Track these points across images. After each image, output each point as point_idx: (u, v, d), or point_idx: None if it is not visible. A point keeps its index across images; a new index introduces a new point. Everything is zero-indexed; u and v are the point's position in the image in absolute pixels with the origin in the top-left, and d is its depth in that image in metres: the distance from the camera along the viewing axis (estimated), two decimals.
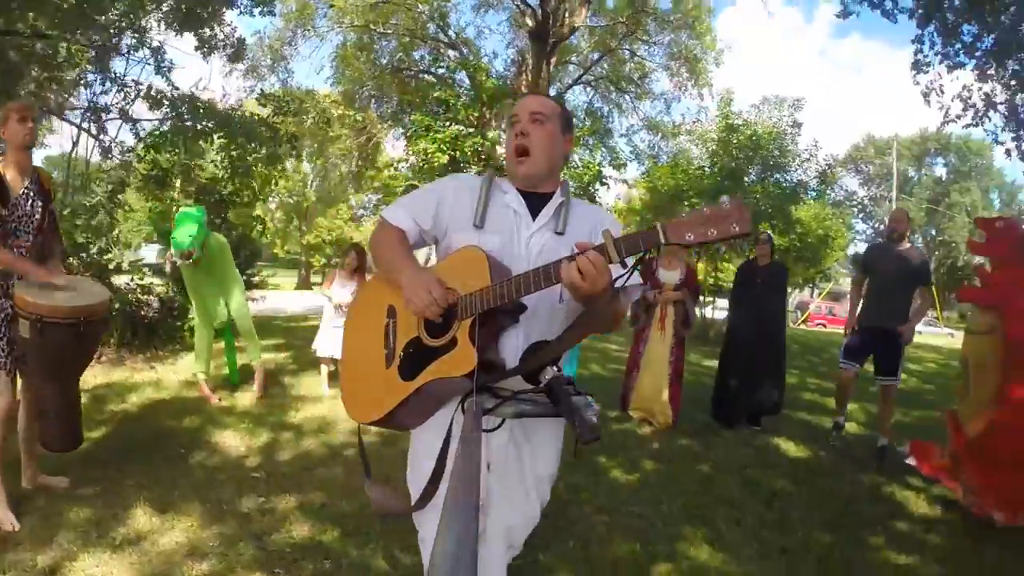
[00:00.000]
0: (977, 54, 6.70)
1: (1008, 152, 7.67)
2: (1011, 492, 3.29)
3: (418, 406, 1.43)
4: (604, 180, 12.08)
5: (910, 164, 38.93)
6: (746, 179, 11.84)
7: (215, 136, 7.47)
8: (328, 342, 5.15)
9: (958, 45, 6.84)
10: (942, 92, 7.62)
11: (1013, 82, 6.88)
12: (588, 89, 18.53)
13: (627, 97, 18.20)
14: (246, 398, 4.81)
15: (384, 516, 1.43)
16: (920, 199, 37.25)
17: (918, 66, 7.57)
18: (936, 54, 7.12)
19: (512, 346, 1.40)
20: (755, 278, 5.24)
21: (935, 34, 6.74)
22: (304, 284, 30.40)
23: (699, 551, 2.75)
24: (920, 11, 6.60)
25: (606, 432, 4.55)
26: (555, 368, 1.29)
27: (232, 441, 3.83)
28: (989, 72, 6.86)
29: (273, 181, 11.18)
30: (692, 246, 1.16)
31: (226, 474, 3.27)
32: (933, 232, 36.78)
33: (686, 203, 11.53)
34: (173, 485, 3.04)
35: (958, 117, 7.75)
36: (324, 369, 5.28)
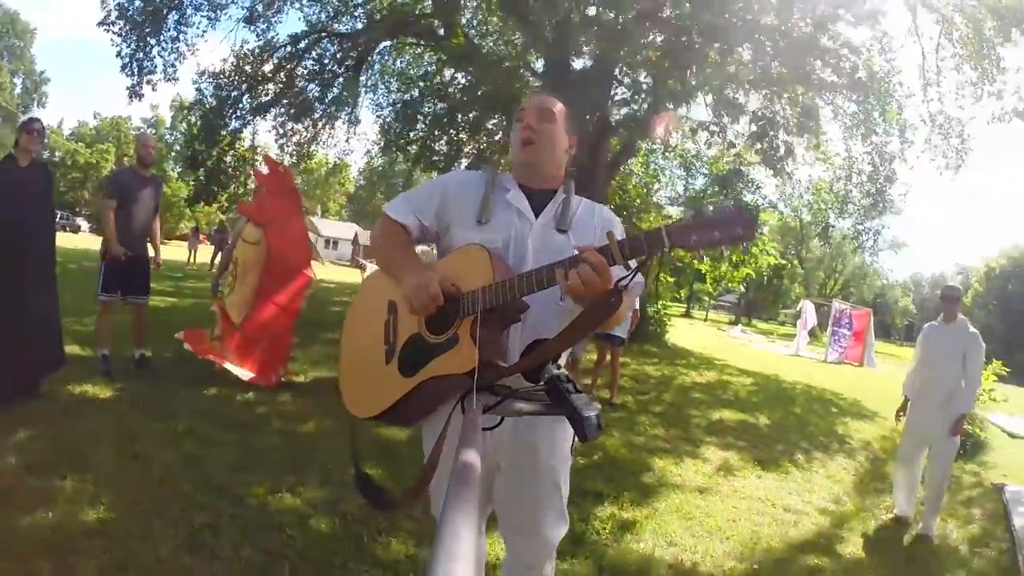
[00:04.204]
0: None
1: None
2: (264, 361, 4.52)
3: (418, 403, 1.42)
4: None
5: None
6: None
7: None
8: None
9: None
10: None
11: None
12: None
13: None
14: None
15: (384, 510, 1.59)
16: None
17: None
18: None
19: (513, 345, 1.41)
20: None
21: None
22: None
23: None
24: None
25: None
26: (555, 366, 1.29)
27: None
28: None
29: None
30: (696, 249, 1.16)
31: None
32: None
33: None
34: None
35: None
36: None
